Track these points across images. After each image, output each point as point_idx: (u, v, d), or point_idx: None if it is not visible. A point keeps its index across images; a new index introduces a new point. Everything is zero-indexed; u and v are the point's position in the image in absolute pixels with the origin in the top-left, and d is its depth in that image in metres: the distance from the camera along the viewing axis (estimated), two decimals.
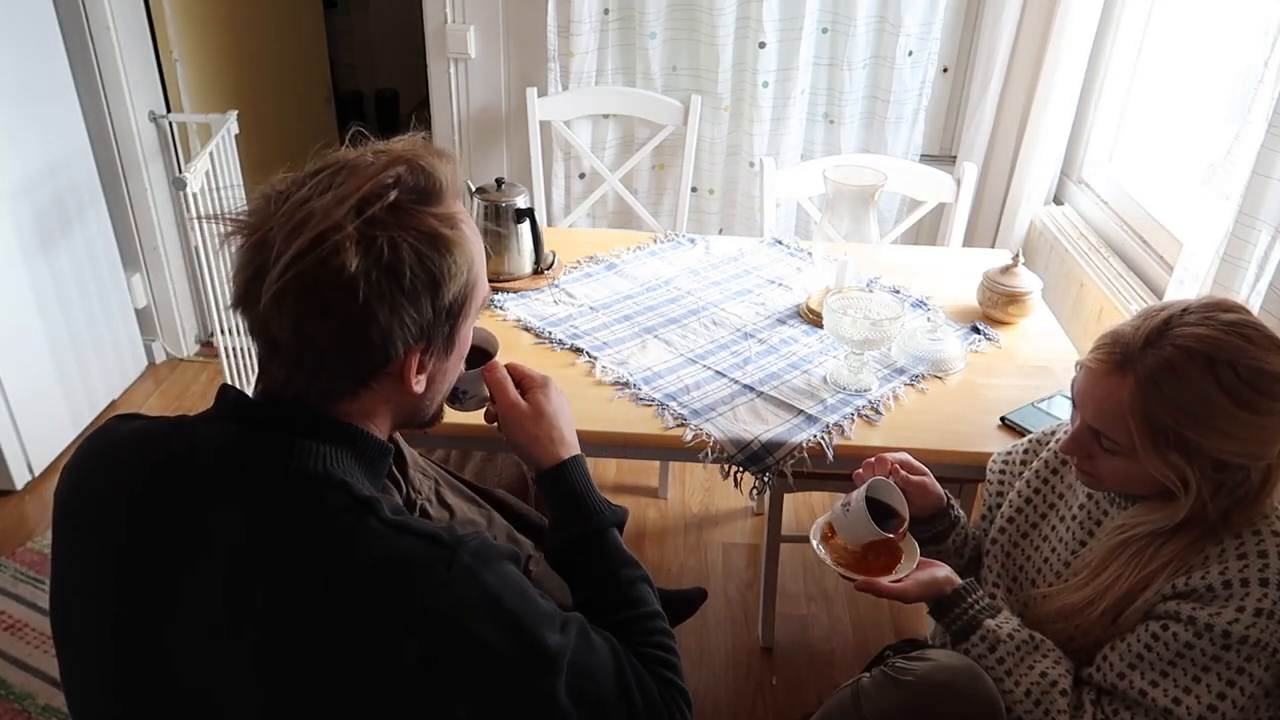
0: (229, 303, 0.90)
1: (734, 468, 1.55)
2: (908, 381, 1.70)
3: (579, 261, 2.09)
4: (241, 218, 0.88)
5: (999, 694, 1.15)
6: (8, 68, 2.32)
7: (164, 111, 2.82)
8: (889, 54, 2.60)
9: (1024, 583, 1.32)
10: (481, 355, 1.16)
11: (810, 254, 2.15)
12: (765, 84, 2.62)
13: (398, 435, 1.12)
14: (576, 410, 1.21)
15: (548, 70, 2.66)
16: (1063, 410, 1.59)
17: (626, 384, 1.66)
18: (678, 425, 1.56)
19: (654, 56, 2.65)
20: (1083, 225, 2.45)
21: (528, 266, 2.00)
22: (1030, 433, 1.46)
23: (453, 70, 2.80)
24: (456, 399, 1.15)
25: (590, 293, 1.96)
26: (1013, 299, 1.88)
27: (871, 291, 1.77)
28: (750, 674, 2.05)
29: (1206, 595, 1.08)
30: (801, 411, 1.61)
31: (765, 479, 1.55)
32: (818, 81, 2.68)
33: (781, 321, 1.89)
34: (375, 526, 0.84)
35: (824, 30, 2.61)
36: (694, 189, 2.81)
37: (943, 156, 2.85)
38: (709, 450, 1.53)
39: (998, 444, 1.49)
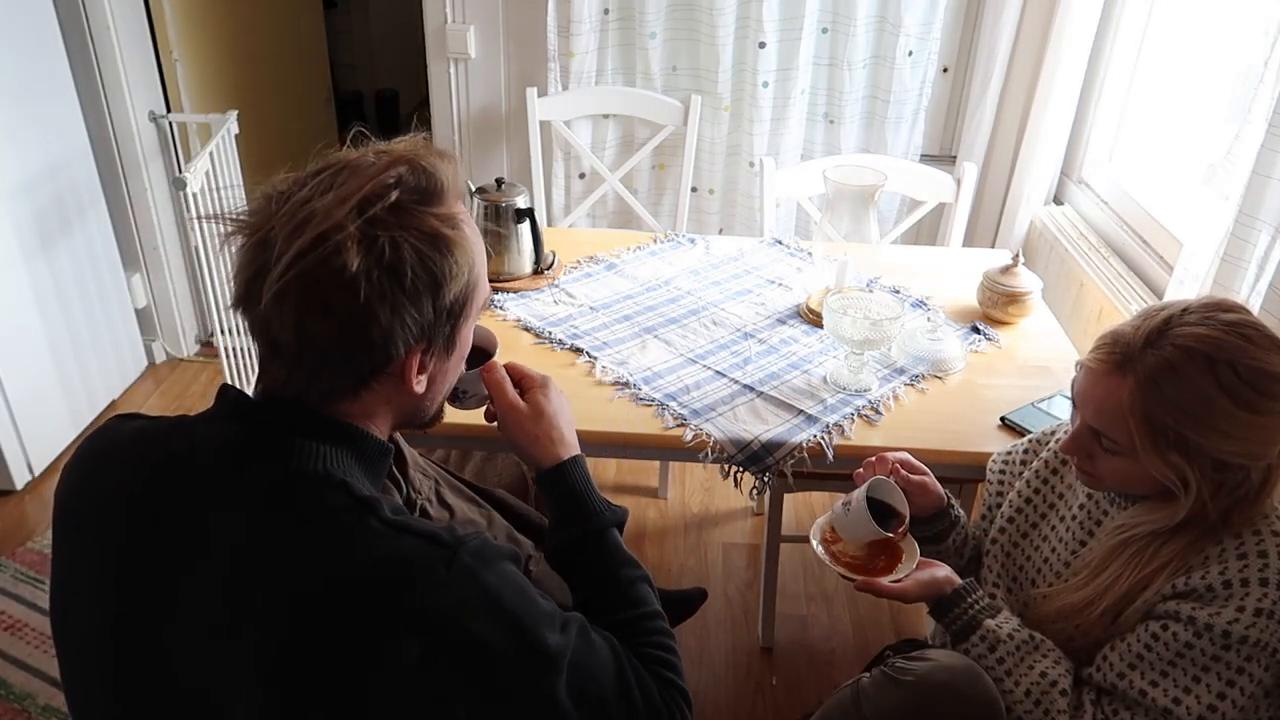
0: (230, 302, 0.90)
1: (734, 468, 1.55)
2: (908, 381, 1.70)
3: (579, 261, 2.09)
4: (243, 218, 0.88)
5: (999, 694, 1.15)
6: (8, 68, 2.32)
7: (164, 111, 2.82)
8: (889, 54, 2.60)
9: (1024, 583, 1.32)
10: (481, 355, 1.16)
11: (810, 254, 2.15)
12: (765, 84, 2.62)
13: (398, 435, 1.13)
14: (576, 410, 1.21)
15: (548, 70, 2.66)
16: (1063, 410, 1.59)
17: (626, 384, 1.66)
18: (678, 425, 1.57)
19: (654, 56, 2.65)
20: (1083, 225, 2.45)
21: (528, 266, 2.00)
22: (1030, 433, 1.46)
23: (453, 70, 2.80)
24: (456, 398, 1.15)
25: (590, 293, 1.96)
26: (1013, 299, 1.88)
27: (871, 291, 1.77)
28: (750, 674, 2.04)
29: (1206, 595, 1.08)
30: (801, 411, 1.61)
31: (765, 479, 1.55)
32: (818, 81, 2.68)
33: (781, 321, 1.89)
34: (375, 526, 0.84)
35: (824, 30, 2.61)
36: (694, 189, 2.81)
37: (943, 156, 2.85)
38: (709, 450, 1.53)
39: (998, 444, 1.49)
